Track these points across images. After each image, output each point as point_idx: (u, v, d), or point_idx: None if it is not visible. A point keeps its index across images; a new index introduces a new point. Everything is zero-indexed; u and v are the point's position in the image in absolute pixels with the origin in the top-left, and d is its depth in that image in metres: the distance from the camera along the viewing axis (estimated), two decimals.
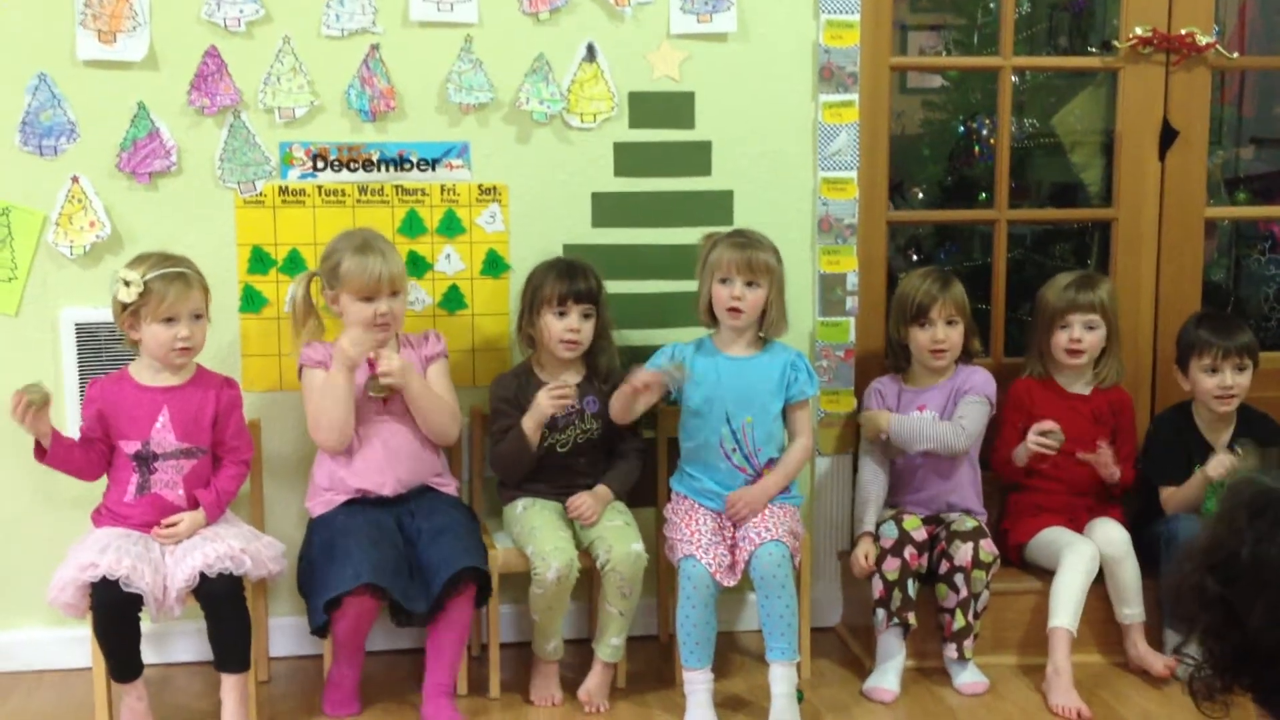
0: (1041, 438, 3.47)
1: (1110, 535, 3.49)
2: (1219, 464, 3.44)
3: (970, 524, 3.43)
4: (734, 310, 3.30)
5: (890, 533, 3.41)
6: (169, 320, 3.05)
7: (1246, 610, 1.30)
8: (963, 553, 3.37)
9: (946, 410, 3.54)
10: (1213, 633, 1.34)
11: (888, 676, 3.37)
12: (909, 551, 3.38)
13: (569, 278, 3.34)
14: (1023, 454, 3.55)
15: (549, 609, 3.24)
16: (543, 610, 3.25)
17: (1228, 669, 1.34)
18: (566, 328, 3.34)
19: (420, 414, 3.27)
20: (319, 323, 3.30)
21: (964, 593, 3.37)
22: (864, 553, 3.43)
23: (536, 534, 3.26)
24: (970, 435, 3.48)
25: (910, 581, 3.39)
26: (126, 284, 3.03)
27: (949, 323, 3.50)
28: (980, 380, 3.55)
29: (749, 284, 3.29)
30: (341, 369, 3.16)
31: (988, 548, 3.38)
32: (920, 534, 3.41)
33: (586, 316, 3.35)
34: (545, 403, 3.28)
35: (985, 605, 3.40)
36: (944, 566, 3.41)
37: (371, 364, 3.21)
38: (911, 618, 3.39)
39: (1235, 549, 1.31)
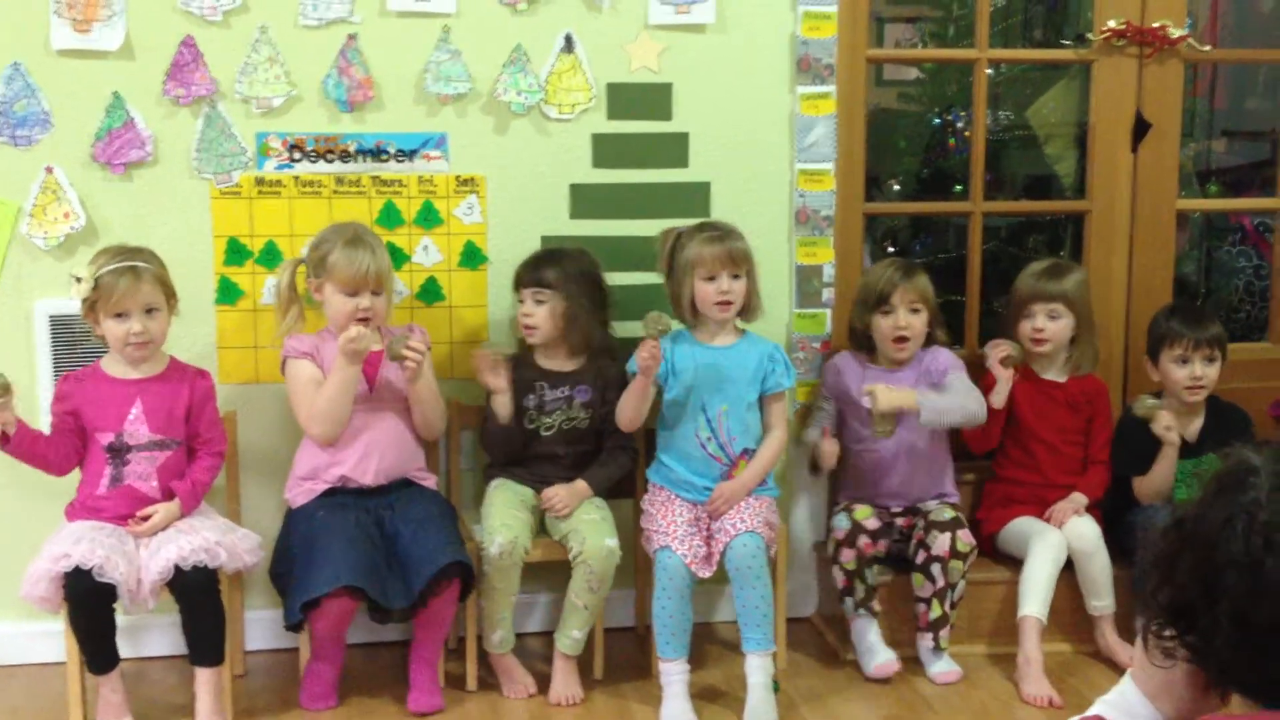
0: (1001, 363, 3.55)
1: (1080, 530, 3.52)
2: (1160, 422, 3.51)
3: (948, 514, 3.45)
4: (723, 304, 3.31)
5: (842, 524, 3.45)
6: (120, 315, 3.04)
7: (1178, 568, 1.37)
8: (940, 542, 3.39)
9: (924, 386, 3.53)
10: (1157, 588, 1.41)
11: (879, 653, 3.40)
12: (863, 540, 3.41)
13: (529, 265, 3.38)
14: (1002, 390, 3.58)
15: (493, 590, 3.23)
16: (488, 590, 3.24)
17: (1165, 623, 1.40)
18: (521, 313, 3.37)
19: (421, 404, 3.28)
20: (301, 312, 3.29)
21: (940, 583, 3.40)
22: (827, 443, 3.53)
23: (490, 511, 3.29)
24: (981, 401, 3.49)
25: (869, 570, 3.43)
26: (78, 281, 3.04)
27: (912, 310, 3.50)
28: (948, 358, 3.55)
29: (734, 276, 3.30)
30: (349, 362, 3.14)
31: (965, 538, 3.40)
32: (872, 522, 3.43)
33: (539, 302, 3.36)
34: (487, 380, 3.32)
35: (962, 595, 3.43)
36: (921, 556, 3.44)
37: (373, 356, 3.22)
38: (876, 604, 3.43)
39: (1189, 512, 1.39)
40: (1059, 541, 3.48)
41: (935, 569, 3.40)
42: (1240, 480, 1.34)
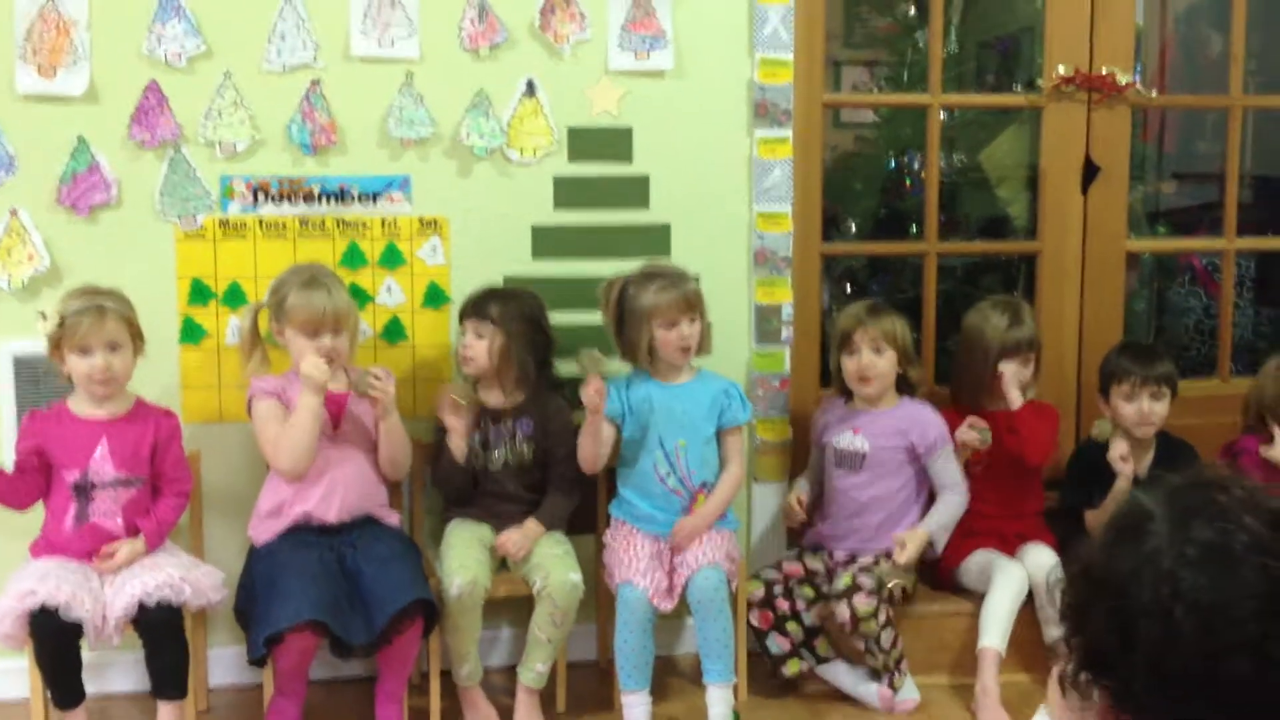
0: (970, 431, 3.59)
1: (1040, 560, 3.57)
2: (1116, 449, 3.57)
3: (843, 582, 3.42)
4: (685, 349, 3.39)
5: (756, 589, 3.51)
6: (84, 351, 3.07)
7: (1090, 617, 1.37)
8: (840, 612, 3.40)
9: (888, 443, 3.58)
10: (1071, 631, 1.41)
11: (870, 689, 3.45)
12: (777, 603, 3.50)
13: (473, 299, 3.45)
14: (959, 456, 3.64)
15: (456, 629, 3.26)
16: (450, 629, 3.26)
17: (1081, 669, 1.40)
18: (461, 344, 3.45)
19: (389, 445, 3.32)
20: (265, 355, 3.33)
21: (862, 644, 3.43)
22: (795, 496, 3.64)
23: (448, 552, 3.32)
24: (963, 488, 3.59)
25: (795, 625, 3.50)
26: (44, 318, 3.08)
27: (875, 350, 3.55)
28: (934, 431, 3.57)
29: (691, 320, 3.37)
30: (311, 393, 3.17)
31: (861, 601, 3.37)
32: (758, 593, 3.49)
33: (479, 335, 3.41)
34: (447, 420, 3.39)
35: (894, 639, 3.43)
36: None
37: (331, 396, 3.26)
38: (820, 648, 3.51)
39: (1094, 560, 1.38)
40: (1020, 575, 3.53)
41: (852, 634, 3.44)
42: (1138, 526, 1.34)
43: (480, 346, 3.41)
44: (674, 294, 3.35)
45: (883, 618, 3.39)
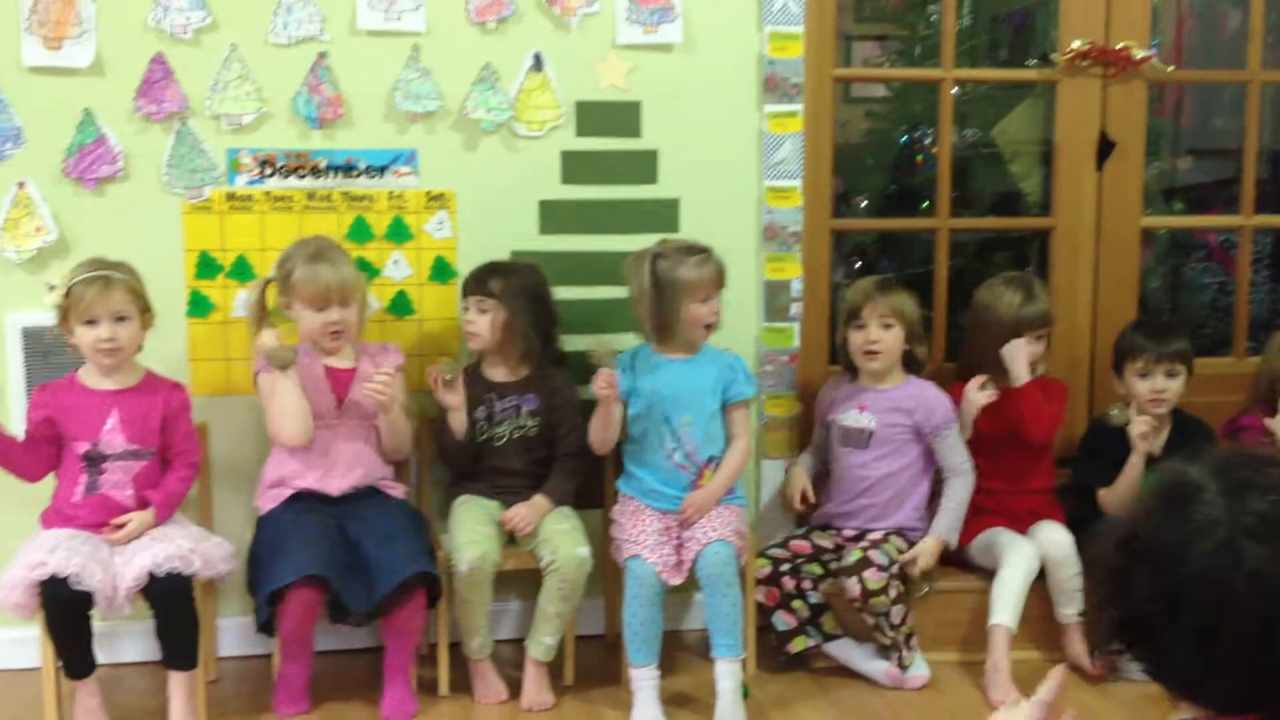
0: (979, 392, 3.58)
1: (1054, 537, 3.55)
2: (1136, 427, 3.53)
3: (853, 557, 3.42)
4: (711, 325, 3.40)
5: (762, 566, 3.50)
6: (90, 322, 3.08)
7: (1135, 584, 1.38)
8: (850, 588, 3.39)
9: (894, 420, 3.57)
10: (1110, 601, 1.42)
11: (878, 666, 3.44)
12: (783, 580, 3.48)
13: (476, 274, 3.44)
14: (968, 416, 3.61)
15: (466, 603, 3.27)
16: (460, 604, 3.28)
17: (1118, 635, 1.42)
18: (465, 320, 3.44)
19: (388, 436, 3.34)
20: (274, 328, 3.33)
21: (871, 620, 3.42)
22: (799, 489, 3.62)
23: (457, 528, 3.32)
24: (969, 468, 3.58)
25: (800, 602, 3.49)
26: (51, 289, 3.10)
27: (883, 325, 3.54)
28: (940, 412, 3.56)
29: (718, 297, 3.40)
30: (275, 372, 3.21)
31: (872, 576, 3.36)
32: (764, 570, 3.48)
33: (482, 311, 3.41)
34: (441, 397, 3.39)
35: (903, 615, 3.42)
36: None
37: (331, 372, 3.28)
38: (827, 625, 3.50)
39: (1140, 528, 1.39)
40: (1032, 553, 3.51)
41: (862, 610, 3.43)
42: (1189, 497, 1.36)
43: (483, 322, 3.40)
44: (710, 269, 3.37)
45: (893, 594, 3.38)
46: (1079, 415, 3.95)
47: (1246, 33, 4.09)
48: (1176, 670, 1.37)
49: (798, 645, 3.49)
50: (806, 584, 3.51)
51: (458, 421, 3.40)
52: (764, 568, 3.49)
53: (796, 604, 3.50)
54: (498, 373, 3.47)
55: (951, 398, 3.63)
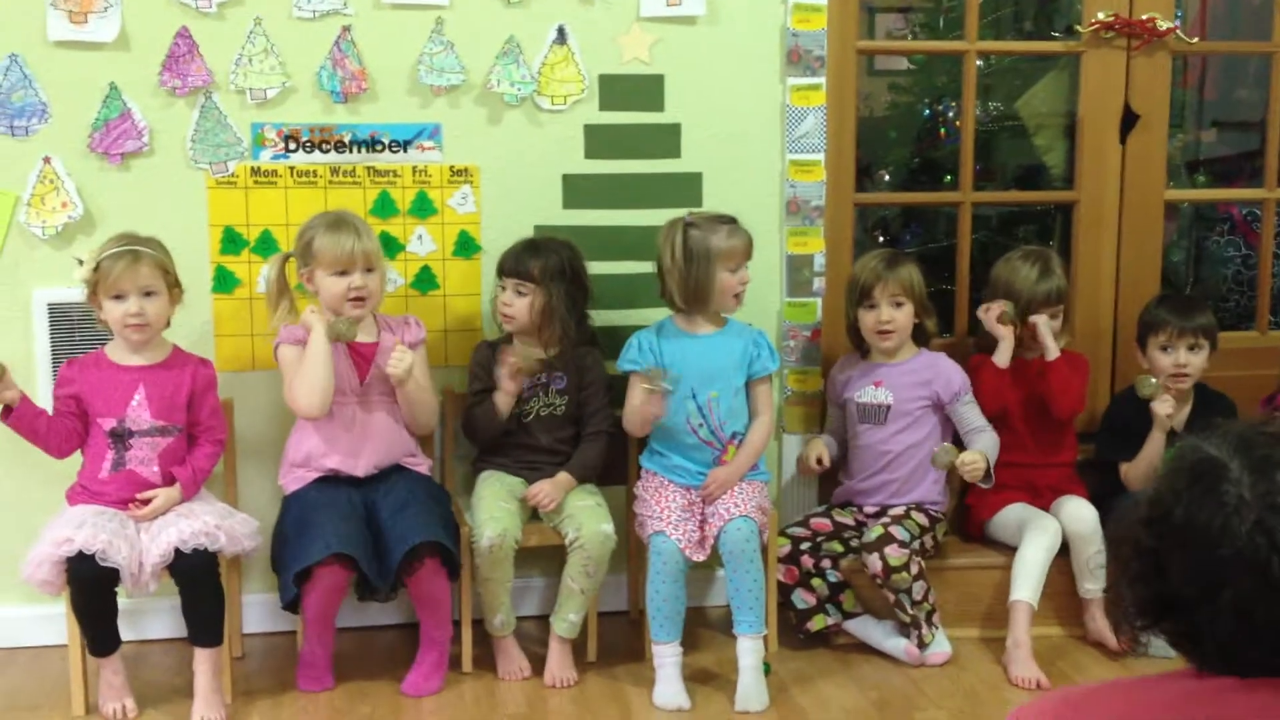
0: (998, 320, 3.60)
1: (1080, 513, 3.55)
2: (1162, 405, 3.52)
3: (874, 533, 3.43)
4: (739, 296, 3.40)
5: (782, 545, 3.51)
6: (118, 297, 3.08)
7: (1169, 565, 1.39)
8: (872, 564, 3.40)
9: (912, 394, 3.57)
10: (1140, 579, 1.43)
11: (898, 643, 3.43)
12: (803, 559, 3.48)
13: (514, 255, 3.41)
14: (1005, 349, 3.61)
15: (487, 580, 3.28)
16: (481, 581, 3.29)
17: (1147, 612, 1.43)
18: (501, 302, 3.41)
19: (409, 407, 3.32)
20: (293, 304, 3.33)
21: (892, 596, 3.42)
22: (815, 454, 3.60)
23: (479, 504, 3.33)
24: (989, 426, 3.59)
25: (820, 580, 3.50)
26: (80, 263, 3.10)
27: (895, 304, 3.55)
28: (958, 379, 3.59)
29: (747, 268, 3.40)
30: (318, 337, 3.18)
31: (893, 552, 3.36)
32: (784, 549, 3.48)
33: (520, 293, 3.39)
34: (504, 382, 3.36)
35: (925, 592, 3.42)
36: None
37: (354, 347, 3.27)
38: (846, 603, 3.50)
39: (1170, 508, 1.39)
40: (1055, 529, 3.52)
41: (882, 586, 3.43)
42: (1214, 475, 1.36)
43: (522, 305, 3.39)
44: (740, 240, 3.37)
45: (914, 569, 3.38)
46: (1101, 389, 3.94)
47: (1272, 4, 4.05)
48: (1205, 647, 1.38)
49: (817, 623, 3.50)
50: (825, 562, 3.52)
51: (504, 402, 3.38)
52: (783, 546, 3.50)
53: (815, 582, 3.51)
54: (528, 349, 3.46)
55: (974, 370, 3.64)
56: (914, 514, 3.51)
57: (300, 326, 3.26)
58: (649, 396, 3.30)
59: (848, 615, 3.53)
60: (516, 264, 3.40)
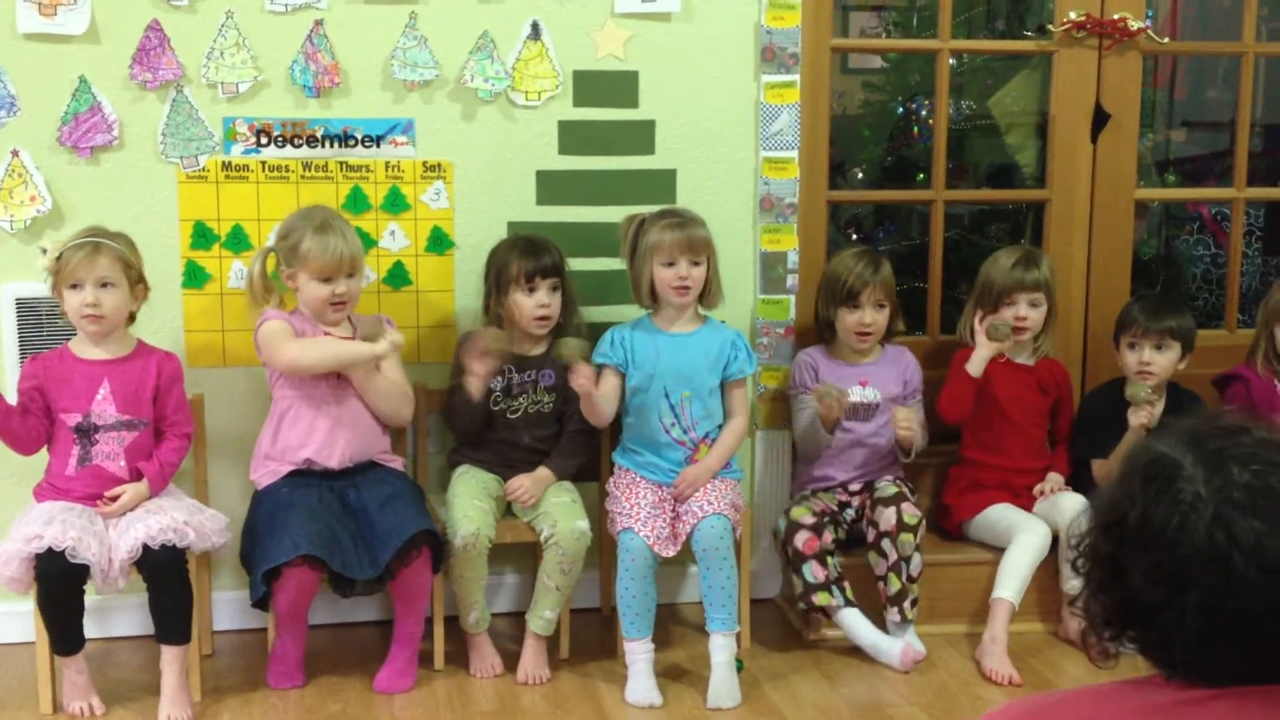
0: (986, 333, 3.61)
1: (1075, 507, 3.54)
2: (1135, 417, 3.52)
3: (892, 490, 3.50)
4: (681, 289, 3.35)
5: (780, 524, 3.53)
6: (75, 286, 3.06)
7: (1131, 569, 1.36)
8: (886, 517, 3.44)
9: (900, 387, 3.64)
10: (1102, 588, 1.40)
11: (892, 649, 3.40)
12: (801, 538, 3.44)
13: (533, 254, 3.38)
14: (979, 358, 3.62)
15: (461, 577, 3.27)
16: (455, 578, 3.28)
17: (1113, 621, 1.40)
18: (537, 304, 3.38)
19: (375, 397, 3.29)
20: (279, 299, 3.30)
21: (893, 556, 3.43)
22: (837, 395, 3.47)
23: (454, 501, 3.32)
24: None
25: (833, 559, 3.47)
26: (44, 253, 3.09)
27: (878, 306, 3.58)
28: (918, 375, 3.70)
29: (694, 263, 3.34)
30: (369, 355, 3.21)
31: (910, 510, 3.44)
32: (808, 519, 3.47)
33: (555, 290, 3.39)
34: (473, 364, 3.31)
35: (920, 569, 3.45)
36: (871, 534, 3.50)
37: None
38: (847, 590, 3.46)
39: (1126, 512, 1.37)
40: (1046, 533, 3.52)
41: (886, 544, 3.45)
42: (1168, 475, 1.34)
43: (558, 302, 3.40)
44: (678, 234, 3.33)
45: (918, 538, 3.43)
46: (1073, 385, 3.95)
47: (1241, 4, 4.08)
48: (1173, 652, 1.36)
49: (822, 599, 3.44)
50: (828, 539, 3.48)
51: (475, 386, 3.32)
52: (805, 516, 3.46)
53: (830, 560, 3.47)
54: (520, 345, 3.44)
55: (953, 363, 3.68)
56: (902, 485, 3.56)
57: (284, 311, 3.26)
58: (578, 374, 3.25)
59: (848, 602, 3.47)
60: (550, 263, 3.39)
